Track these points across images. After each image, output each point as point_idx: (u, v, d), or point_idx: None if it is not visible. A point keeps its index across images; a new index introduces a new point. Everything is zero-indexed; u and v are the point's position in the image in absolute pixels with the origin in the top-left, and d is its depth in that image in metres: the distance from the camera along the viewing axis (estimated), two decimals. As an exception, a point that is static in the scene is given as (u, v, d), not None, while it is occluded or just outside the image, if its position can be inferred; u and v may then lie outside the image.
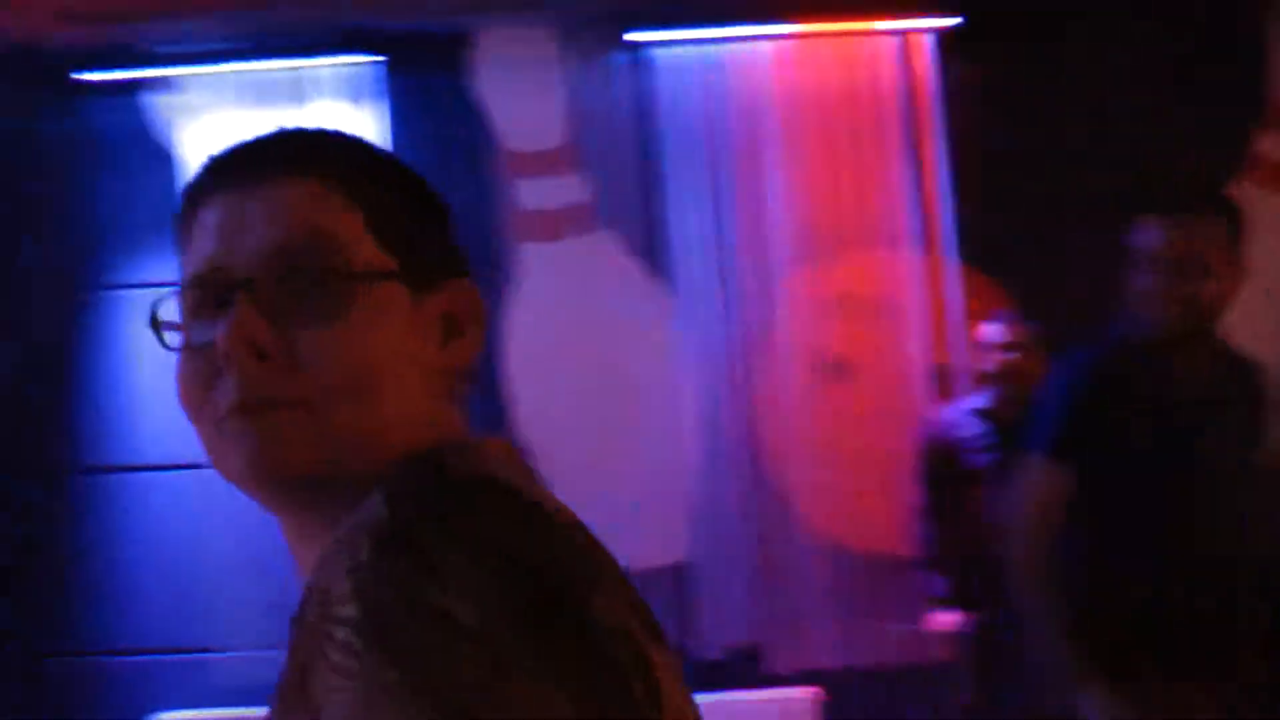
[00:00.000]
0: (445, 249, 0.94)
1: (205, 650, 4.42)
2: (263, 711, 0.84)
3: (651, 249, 4.47)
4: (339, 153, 0.93)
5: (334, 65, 4.49)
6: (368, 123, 4.43)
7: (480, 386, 1.00)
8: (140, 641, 4.49)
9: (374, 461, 0.86)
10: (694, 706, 0.86)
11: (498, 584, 0.72)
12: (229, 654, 4.36)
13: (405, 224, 0.91)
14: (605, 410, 4.32)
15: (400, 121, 4.46)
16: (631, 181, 4.45)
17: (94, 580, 4.54)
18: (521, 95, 4.34)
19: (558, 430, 4.23)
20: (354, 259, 0.87)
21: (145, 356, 4.50)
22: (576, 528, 0.83)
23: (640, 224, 4.46)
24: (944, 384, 4.38)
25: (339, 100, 4.46)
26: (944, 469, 3.87)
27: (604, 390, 4.31)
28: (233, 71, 4.48)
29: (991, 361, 3.87)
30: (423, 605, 0.70)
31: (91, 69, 4.52)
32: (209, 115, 4.45)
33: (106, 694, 4.51)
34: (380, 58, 4.49)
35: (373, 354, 0.87)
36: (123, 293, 4.56)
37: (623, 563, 0.85)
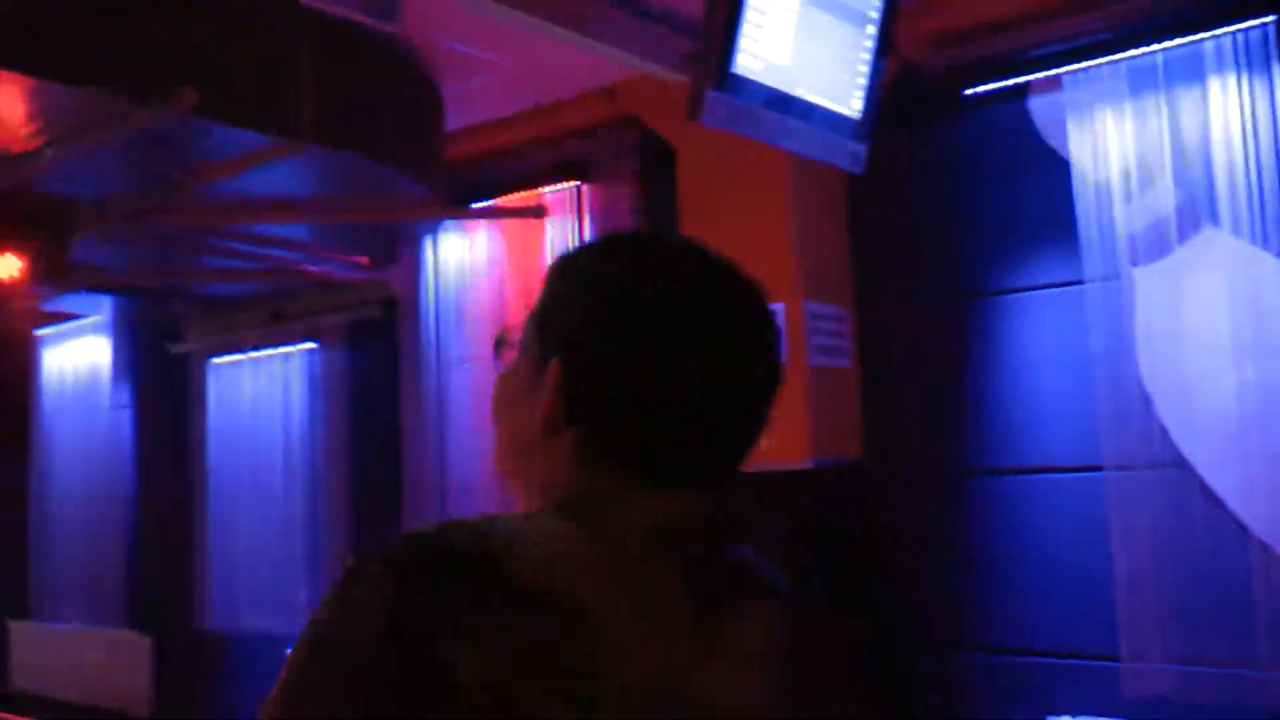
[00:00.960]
0: (571, 337, 1.10)
1: (1107, 658, 4.30)
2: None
3: None
4: (560, 264, 1.19)
5: (1221, 36, 4.17)
6: (1260, 90, 4.10)
7: None
8: (1038, 643, 4.49)
9: (504, 481, 1.19)
10: None
11: (322, 625, 0.96)
12: (1132, 663, 4.22)
13: (547, 320, 1.13)
14: None
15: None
16: None
17: (990, 579, 4.63)
18: None
19: None
20: (518, 337, 1.18)
21: (1038, 359, 4.54)
22: (533, 599, 0.94)
23: None
24: None
25: (1230, 72, 4.15)
26: None
27: None
28: (1119, 61, 4.33)
29: None
30: (311, 627, 0.96)
31: (975, 83, 4.63)
32: (1098, 111, 4.36)
33: (1002, 693, 4.57)
34: (1270, 18, 4.12)
35: (496, 396, 1.19)
36: (1015, 296, 4.63)
37: None
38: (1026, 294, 4.60)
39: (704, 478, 1.08)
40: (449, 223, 6.27)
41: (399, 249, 6.59)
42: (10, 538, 9.77)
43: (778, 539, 4.71)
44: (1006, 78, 4.57)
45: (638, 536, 1.03)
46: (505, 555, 0.96)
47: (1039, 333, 4.56)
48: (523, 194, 5.99)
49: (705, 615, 1.02)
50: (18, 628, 9.57)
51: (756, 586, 1.09)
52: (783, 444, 4.68)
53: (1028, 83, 4.54)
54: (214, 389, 8.22)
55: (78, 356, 9.40)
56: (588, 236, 5.77)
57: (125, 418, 8.90)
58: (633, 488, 1.05)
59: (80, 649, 8.91)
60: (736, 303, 1.11)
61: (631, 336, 1.06)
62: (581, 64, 4.92)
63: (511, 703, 0.90)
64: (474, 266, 6.24)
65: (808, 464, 4.63)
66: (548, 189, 5.90)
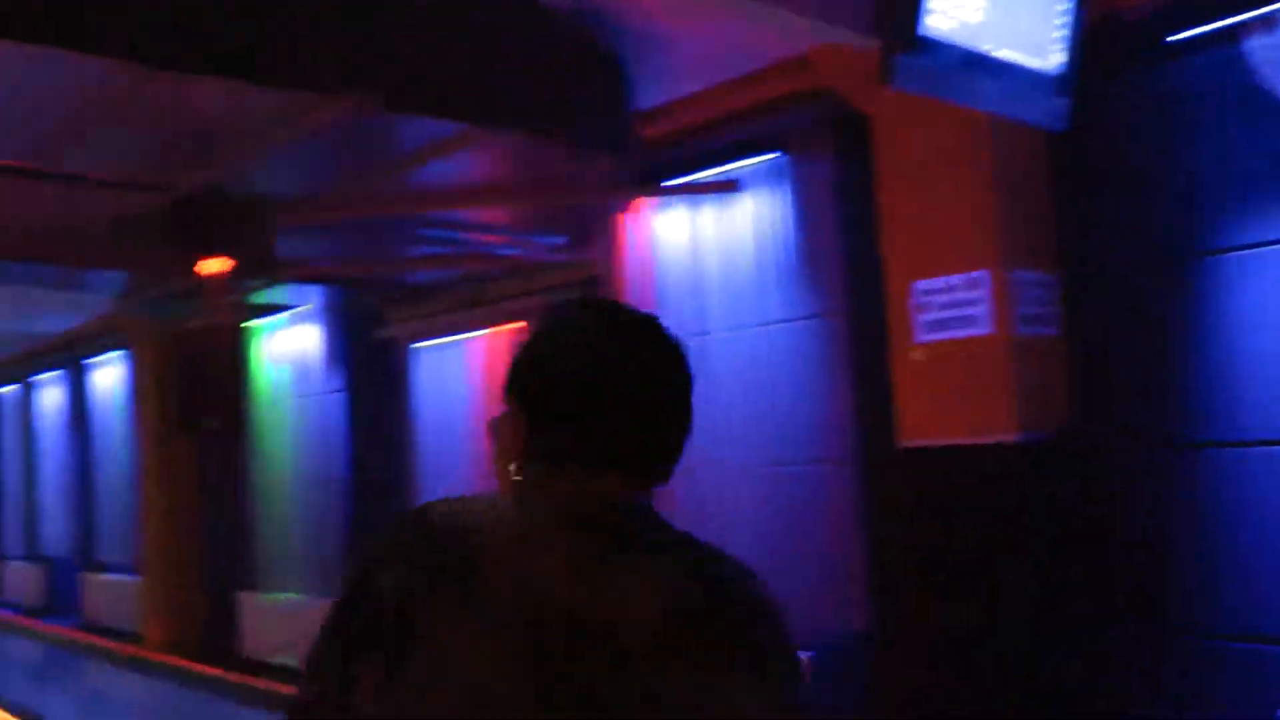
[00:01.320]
0: (522, 391, 1.41)
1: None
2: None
3: None
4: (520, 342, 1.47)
5: None
6: None
7: None
8: (1264, 628, 4.25)
9: None
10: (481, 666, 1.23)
11: (347, 571, 1.37)
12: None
13: (511, 378, 1.42)
14: None
15: None
16: None
17: (1210, 559, 4.41)
18: None
19: None
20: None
21: (1261, 323, 4.29)
22: (440, 533, 1.32)
23: None
24: None
25: None
26: None
27: None
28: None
29: None
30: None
31: (1182, 28, 4.41)
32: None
33: (1235, 680, 4.34)
34: None
35: (493, 450, 1.45)
36: (1233, 255, 4.38)
37: None
38: (1246, 252, 4.34)
39: (627, 469, 1.36)
40: (647, 200, 6.30)
41: (597, 229, 6.66)
42: (236, 517, 10.32)
43: (980, 512, 4.60)
44: (1216, 19, 4.31)
45: (551, 499, 1.33)
46: (432, 507, 1.35)
47: (1261, 294, 4.30)
48: (718, 169, 5.97)
49: (594, 554, 1.29)
50: (245, 599, 10.10)
51: (660, 543, 1.35)
52: (986, 417, 4.55)
53: (1240, 23, 4.27)
54: (420, 372, 8.47)
55: (290, 345, 9.84)
56: (787, 209, 5.74)
57: (338, 402, 9.27)
58: (564, 475, 1.35)
59: (304, 619, 9.34)
60: (645, 346, 1.43)
61: (564, 372, 1.37)
62: (772, 36, 4.86)
63: (415, 606, 1.26)
64: (672, 242, 6.26)
65: (1015, 437, 4.48)
66: (743, 163, 5.88)
